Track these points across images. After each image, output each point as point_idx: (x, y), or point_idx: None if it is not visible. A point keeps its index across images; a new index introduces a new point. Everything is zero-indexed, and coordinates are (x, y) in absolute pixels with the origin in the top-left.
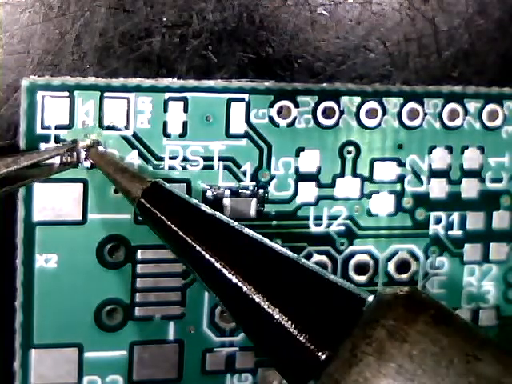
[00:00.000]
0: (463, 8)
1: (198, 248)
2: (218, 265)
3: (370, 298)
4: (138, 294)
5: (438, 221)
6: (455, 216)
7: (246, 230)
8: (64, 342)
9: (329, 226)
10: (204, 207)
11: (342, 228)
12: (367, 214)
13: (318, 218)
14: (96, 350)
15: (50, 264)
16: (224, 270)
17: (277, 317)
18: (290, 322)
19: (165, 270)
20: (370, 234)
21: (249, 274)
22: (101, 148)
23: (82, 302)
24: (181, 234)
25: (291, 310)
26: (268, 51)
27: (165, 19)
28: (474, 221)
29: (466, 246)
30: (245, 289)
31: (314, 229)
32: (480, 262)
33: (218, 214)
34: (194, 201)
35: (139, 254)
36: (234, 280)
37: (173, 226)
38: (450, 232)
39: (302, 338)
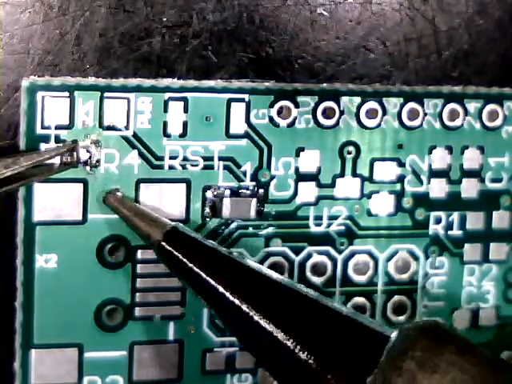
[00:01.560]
0: (463, 8)
1: (221, 290)
2: (242, 306)
3: (394, 334)
4: (138, 294)
5: (438, 221)
6: (455, 216)
7: (269, 272)
8: (64, 342)
9: (329, 225)
10: (222, 249)
11: (342, 228)
12: (367, 213)
13: (318, 218)
14: (96, 350)
15: (50, 264)
16: (249, 312)
17: (304, 358)
18: (316, 365)
19: (165, 269)
20: (370, 234)
21: (274, 316)
22: (118, 193)
23: (82, 302)
24: (203, 275)
25: (318, 353)
26: (268, 51)
27: (165, 19)
28: (474, 221)
29: (466, 245)
30: (272, 330)
31: (313, 229)
32: (480, 262)
33: (236, 254)
34: (213, 243)
35: (139, 254)
36: (262, 323)
37: (194, 267)
38: (449, 232)
39: (326, 377)
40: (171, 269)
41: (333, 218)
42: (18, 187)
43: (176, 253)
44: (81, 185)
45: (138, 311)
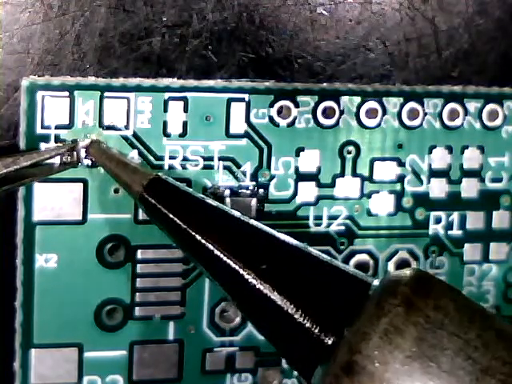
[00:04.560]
0: (463, 8)
1: (201, 239)
2: (222, 255)
3: (376, 282)
4: (137, 293)
5: (438, 220)
6: (455, 216)
7: (250, 220)
8: (64, 342)
9: (329, 225)
10: (206, 199)
11: (342, 228)
12: (367, 213)
13: (318, 218)
14: (96, 349)
15: (49, 264)
16: (228, 260)
17: (281, 304)
18: (294, 309)
19: (165, 269)
20: (370, 234)
21: (253, 262)
22: (102, 144)
23: (81, 302)
24: (184, 226)
25: (296, 297)
26: (268, 51)
27: (165, 19)
28: (474, 220)
29: (466, 245)
30: (249, 278)
31: (313, 228)
32: (480, 262)
33: (221, 205)
34: (196, 193)
35: (139, 254)
36: (238, 269)
37: (176, 218)
38: (449, 232)
39: (308, 324)
40: (154, 221)
41: (333, 217)
42: (17, 187)
43: (157, 204)
44: (81, 184)
45: (137, 311)
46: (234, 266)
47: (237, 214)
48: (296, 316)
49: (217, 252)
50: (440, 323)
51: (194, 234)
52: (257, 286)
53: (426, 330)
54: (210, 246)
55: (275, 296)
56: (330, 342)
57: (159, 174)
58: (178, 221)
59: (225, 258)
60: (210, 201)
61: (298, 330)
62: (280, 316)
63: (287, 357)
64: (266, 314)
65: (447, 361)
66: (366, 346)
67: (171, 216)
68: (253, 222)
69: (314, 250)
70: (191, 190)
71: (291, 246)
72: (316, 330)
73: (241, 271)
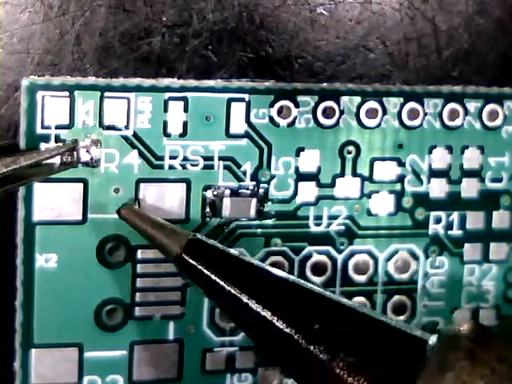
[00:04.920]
0: (463, 7)
1: (247, 301)
2: (270, 317)
3: (433, 338)
4: (138, 293)
5: (438, 220)
6: (455, 216)
7: (291, 277)
8: (64, 342)
9: (329, 225)
10: (244, 257)
11: (342, 228)
12: (367, 213)
13: (318, 218)
14: (96, 349)
15: (50, 264)
16: (277, 323)
17: (338, 369)
18: (353, 376)
19: (165, 269)
20: (370, 234)
21: (303, 324)
22: (135, 206)
23: (82, 302)
24: (228, 288)
25: (352, 361)
26: (268, 51)
27: (165, 19)
28: (474, 220)
29: (466, 245)
30: (301, 341)
31: (313, 228)
32: (480, 262)
33: (259, 262)
34: (233, 251)
35: (139, 254)
36: (288, 331)
37: (218, 279)
38: (449, 232)
39: None
40: (195, 282)
41: (333, 217)
42: (17, 187)
43: (196, 264)
44: (81, 184)
45: (137, 311)
46: (283, 327)
47: (277, 271)
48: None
49: (264, 313)
50: (506, 374)
51: (237, 293)
52: (309, 349)
53: (494, 381)
54: (256, 307)
55: (331, 362)
56: None
57: (197, 234)
58: (221, 282)
59: (274, 320)
60: (249, 259)
61: None
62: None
63: None
64: (322, 379)
65: None
66: None
67: (213, 277)
68: (295, 278)
69: (366, 308)
70: (230, 249)
71: (342, 304)
72: None
73: (292, 333)
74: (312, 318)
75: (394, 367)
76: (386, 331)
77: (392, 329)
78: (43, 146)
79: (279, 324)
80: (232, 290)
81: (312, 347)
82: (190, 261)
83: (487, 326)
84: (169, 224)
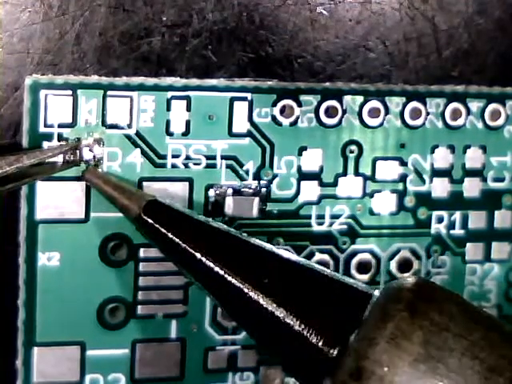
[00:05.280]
0: (463, 7)
1: (200, 257)
2: (222, 272)
3: (376, 292)
4: (140, 292)
5: (440, 220)
6: (457, 215)
7: (248, 237)
8: (66, 340)
9: (331, 224)
10: (203, 218)
11: (345, 227)
12: (369, 212)
13: (321, 217)
14: (98, 348)
15: (52, 262)
16: (229, 277)
17: (283, 318)
18: (297, 322)
19: (167, 268)
20: (372, 233)
21: (255, 277)
22: (98, 169)
23: (84, 300)
24: (183, 245)
25: (298, 310)
26: (268, 51)
27: (165, 19)
28: (476, 220)
29: (468, 245)
30: (251, 293)
31: (316, 228)
32: (482, 261)
33: (218, 223)
34: (193, 213)
35: (141, 252)
36: (240, 285)
37: (174, 237)
38: (451, 231)
39: (311, 337)
40: (152, 242)
41: (335, 216)
42: (20, 185)
43: (155, 224)
44: (83, 183)
45: (140, 309)
46: (234, 281)
47: (234, 231)
48: (299, 329)
49: (217, 269)
50: (445, 326)
51: (193, 252)
52: (258, 301)
53: (432, 332)
54: (210, 264)
55: (277, 310)
56: (334, 353)
57: (156, 196)
58: (177, 239)
59: (225, 275)
60: (206, 220)
61: (301, 343)
62: (283, 330)
63: (292, 371)
64: (269, 329)
65: (455, 361)
66: (374, 351)
67: (170, 235)
68: (251, 238)
69: (315, 265)
70: (189, 210)
71: (291, 261)
72: (320, 343)
73: (242, 286)
74: (262, 273)
75: (339, 316)
76: (333, 285)
77: (339, 283)
78: (46, 144)
79: (231, 279)
80: (187, 248)
81: (261, 299)
82: (149, 220)
83: (432, 281)
84: (130, 186)
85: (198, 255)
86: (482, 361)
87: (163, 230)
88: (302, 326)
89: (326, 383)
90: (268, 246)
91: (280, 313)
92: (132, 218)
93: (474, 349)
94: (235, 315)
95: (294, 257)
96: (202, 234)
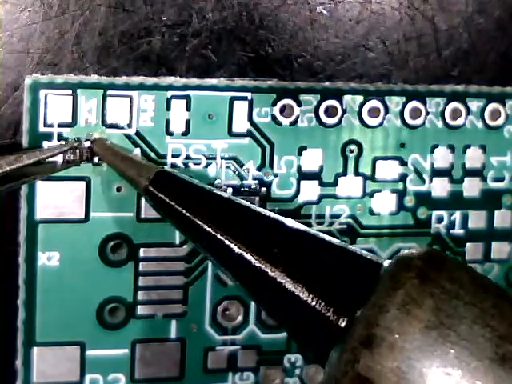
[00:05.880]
0: (463, 7)
1: (209, 229)
2: (231, 243)
3: (387, 262)
4: (140, 292)
5: (440, 220)
6: (457, 215)
7: (258, 208)
8: (66, 340)
9: (331, 224)
10: (212, 189)
11: (344, 227)
12: (369, 212)
13: (321, 217)
14: (98, 348)
15: (52, 262)
16: (238, 248)
17: (292, 288)
18: (306, 292)
19: (167, 268)
20: (372, 233)
21: (264, 248)
22: (106, 141)
23: (84, 300)
24: (192, 217)
25: (307, 280)
26: (267, 50)
27: (164, 18)
28: (476, 220)
29: (468, 244)
30: (260, 264)
31: (316, 227)
32: (482, 261)
33: (227, 194)
34: (202, 184)
35: (141, 252)
36: (249, 257)
37: (183, 210)
38: (451, 231)
39: (320, 307)
40: (161, 213)
41: (335, 216)
42: (20, 185)
43: (163, 196)
44: (83, 183)
45: (140, 309)
46: (244, 253)
47: (244, 202)
48: (308, 300)
49: (226, 241)
50: (456, 293)
51: (201, 224)
52: (268, 272)
53: (443, 300)
54: (219, 235)
55: (286, 280)
56: (343, 323)
57: (165, 167)
58: (185, 212)
59: (234, 247)
60: (216, 191)
61: (310, 313)
62: (291, 301)
63: (301, 342)
64: (278, 300)
65: (466, 329)
66: (384, 318)
67: (177, 208)
68: (260, 209)
69: (325, 235)
70: (197, 181)
71: (301, 231)
72: (329, 313)
73: (251, 258)
74: (272, 243)
75: (350, 286)
76: (342, 255)
77: (349, 253)
78: (46, 144)
79: (239, 249)
80: (197, 221)
81: (270, 270)
82: (157, 193)
83: (442, 251)
84: (138, 157)
85: (206, 227)
86: (493, 328)
87: (171, 203)
88: (311, 295)
89: (333, 354)
90: (277, 216)
91: (288, 282)
92: (140, 189)
93: (485, 317)
94: (245, 285)
95: (303, 227)
96: (210, 206)
